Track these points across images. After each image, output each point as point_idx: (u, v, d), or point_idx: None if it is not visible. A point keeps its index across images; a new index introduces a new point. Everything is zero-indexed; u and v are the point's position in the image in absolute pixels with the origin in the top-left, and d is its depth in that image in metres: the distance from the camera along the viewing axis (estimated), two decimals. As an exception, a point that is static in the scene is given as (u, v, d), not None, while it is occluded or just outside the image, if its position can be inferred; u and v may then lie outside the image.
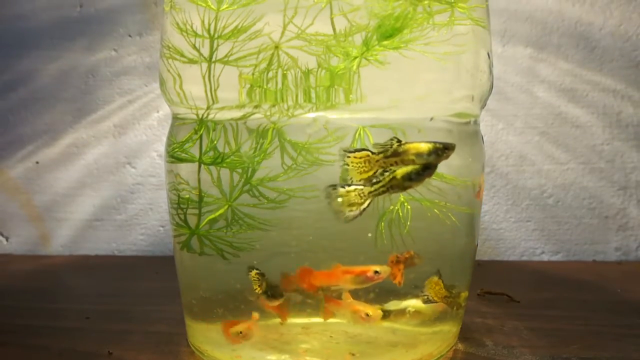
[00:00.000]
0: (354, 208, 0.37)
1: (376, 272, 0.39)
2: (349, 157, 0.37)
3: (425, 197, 0.40)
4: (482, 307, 0.56)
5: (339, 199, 0.37)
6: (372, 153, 0.37)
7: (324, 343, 0.40)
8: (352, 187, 0.37)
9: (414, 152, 0.37)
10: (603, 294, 0.61)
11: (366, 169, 0.38)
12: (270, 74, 0.38)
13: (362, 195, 0.37)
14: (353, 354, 0.40)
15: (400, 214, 0.39)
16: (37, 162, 0.83)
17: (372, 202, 0.38)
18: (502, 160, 0.77)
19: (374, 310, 0.40)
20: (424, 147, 0.37)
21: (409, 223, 0.39)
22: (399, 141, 0.37)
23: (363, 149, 0.37)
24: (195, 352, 0.45)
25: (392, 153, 0.37)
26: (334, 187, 0.37)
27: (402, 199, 0.39)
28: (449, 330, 0.44)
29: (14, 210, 0.85)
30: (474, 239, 0.46)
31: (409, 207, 0.39)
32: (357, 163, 0.37)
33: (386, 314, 0.40)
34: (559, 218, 0.77)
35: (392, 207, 0.39)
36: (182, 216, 0.43)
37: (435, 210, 0.40)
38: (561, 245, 0.77)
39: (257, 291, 0.40)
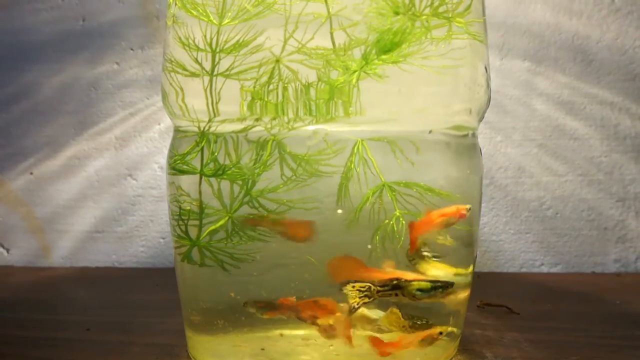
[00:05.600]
0: None
1: (469, 209, 0.40)
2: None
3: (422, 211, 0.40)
4: (481, 318, 0.56)
5: None
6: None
7: (323, 355, 0.40)
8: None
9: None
10: (602, 305, 0.61)
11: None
12: (271, 87, 0.38)
13: None
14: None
15: (395, 228, 0.39)
16: (31, 174, 0.84)
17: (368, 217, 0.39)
18: (501, 173, 0.78)
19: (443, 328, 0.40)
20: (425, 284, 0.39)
21: (402, 238, 0.39)
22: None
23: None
24: (196, 364, 0.45)
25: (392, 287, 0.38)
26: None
27: (397, 214, 0.39)
28: (448, 342, 0.44)
29: (15, 222, 0.85)
30: (472, 251, 0.46)
31: (403, 221, 0.39)
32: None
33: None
34: (558, 230, 0.77)
35: (387, 221, 0.39)
36: (183, 228, 0.43)
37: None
38: (560, 257, 0.78)
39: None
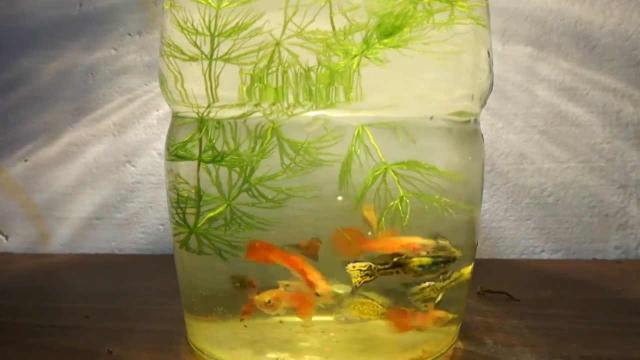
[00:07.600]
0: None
1: None
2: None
3: (426, 194, 0.39)
4: (482, 305, 0.56)
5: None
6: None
7: (323, 341, 0.40)
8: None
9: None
10: (603, 292, 0.61)
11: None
12: (271, 71, 0.38)
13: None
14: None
15: (400, 208, 0.39)
16: (25, 160, 0.83)
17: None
18: (502, 159, 0.77)
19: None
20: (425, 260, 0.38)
21: (407, 216, 0.39)
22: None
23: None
24: (195, 351, 0.45)
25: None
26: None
27: (401, 194, 0.39)
28: (449, 328, 0.44)
29: (14, 209, 0.85)
30: (473, 236, 0.46)
31: (408, 201, 0.39)
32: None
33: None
34: (559, 216, 0.77)
35: (392, 203, 0.39)
36: (181, 215, 0.43)
37: (434, 203, 0.40)
38: (561, 244, 0.77)
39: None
